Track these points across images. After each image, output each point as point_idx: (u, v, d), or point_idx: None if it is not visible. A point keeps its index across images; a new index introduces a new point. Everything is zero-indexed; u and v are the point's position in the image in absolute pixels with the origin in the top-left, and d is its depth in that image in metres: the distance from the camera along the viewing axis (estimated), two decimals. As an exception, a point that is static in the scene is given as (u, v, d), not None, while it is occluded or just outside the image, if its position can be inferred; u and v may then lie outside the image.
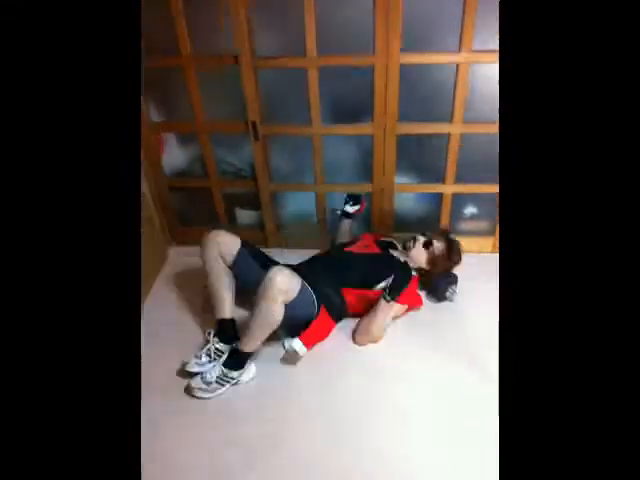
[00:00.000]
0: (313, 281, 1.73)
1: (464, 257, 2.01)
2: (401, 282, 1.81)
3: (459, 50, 1.74)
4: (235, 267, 1.82)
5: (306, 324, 1.73)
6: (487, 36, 1.71)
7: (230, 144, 2.13)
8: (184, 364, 1.71)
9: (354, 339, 1.84)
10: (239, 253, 1.81)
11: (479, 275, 2.03)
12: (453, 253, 1.96)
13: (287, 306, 1.59)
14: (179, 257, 2.31)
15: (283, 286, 1.56)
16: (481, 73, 1.80)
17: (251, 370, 1.72)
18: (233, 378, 1.66)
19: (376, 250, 1.95)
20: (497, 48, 1.71)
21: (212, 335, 1.76)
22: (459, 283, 2.00)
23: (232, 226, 2.32)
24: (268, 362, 1.76)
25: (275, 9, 1.79)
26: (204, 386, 1.64)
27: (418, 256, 1.94)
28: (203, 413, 1.61)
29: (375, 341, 1.82)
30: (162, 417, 1.60)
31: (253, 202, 2.24)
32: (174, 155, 2.19)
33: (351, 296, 1.84)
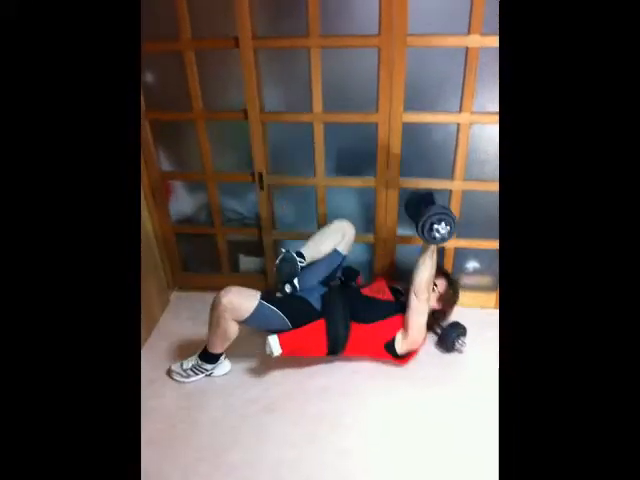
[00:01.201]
0: (334, 299, 1.82)
1: (467, 312, 2.00)
2: None
3: (460, 111, 1.80)
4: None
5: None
6: (487, 99, 1.77)
7: (236, 193, 2.19)
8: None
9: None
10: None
11: (481, 331, 2.00)
12: (455, 287, 1.99)
13: (253, 319, 1.66)
14: (181, 302, 2.32)
15: (229, 305, 1.63)
16: (481, 133, 1.85)
17: (225, 366, 1.88)
18: (206, 369, 1.84)
19: (390, 297, 1.96)
20: (496, 110, 1.77)
21: None
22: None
23: (234, 272, 2.35)
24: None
25: (283, 68, 1.88)
26: (181, 371, 1.84)
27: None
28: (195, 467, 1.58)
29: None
30: (163, 466, 1.57)
31: (256, 249, 2.27)
32: (181, 202, 2.25)
33: (356, 333, 1.80)
